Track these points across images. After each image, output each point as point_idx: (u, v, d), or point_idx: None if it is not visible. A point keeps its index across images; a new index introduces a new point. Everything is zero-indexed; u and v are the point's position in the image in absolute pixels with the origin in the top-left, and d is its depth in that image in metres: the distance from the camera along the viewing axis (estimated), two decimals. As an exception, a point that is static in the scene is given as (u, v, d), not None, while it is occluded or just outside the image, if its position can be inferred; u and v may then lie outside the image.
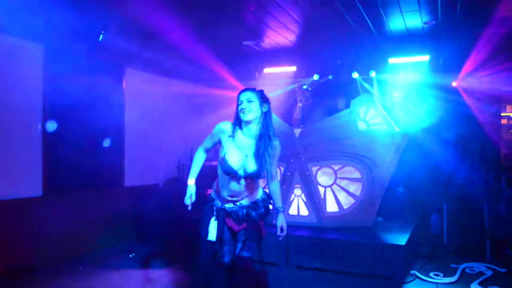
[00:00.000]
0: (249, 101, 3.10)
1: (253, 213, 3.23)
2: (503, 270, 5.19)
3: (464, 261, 5.48)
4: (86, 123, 5.84)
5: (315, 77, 7.67)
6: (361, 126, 5.88)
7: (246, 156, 3.14)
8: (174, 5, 5.13)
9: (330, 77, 7.48)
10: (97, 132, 6.07)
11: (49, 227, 5.28)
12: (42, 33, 5.12)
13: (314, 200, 5.90)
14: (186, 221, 6.53)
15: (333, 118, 6.19)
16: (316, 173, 5.95)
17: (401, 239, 5.09)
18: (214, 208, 3.27)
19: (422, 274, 5.02)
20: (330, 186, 5.88)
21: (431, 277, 4.95)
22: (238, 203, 3.23)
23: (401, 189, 6.63)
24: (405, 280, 4.86)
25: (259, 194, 3.34)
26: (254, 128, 3.15)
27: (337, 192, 5.85)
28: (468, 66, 6.53)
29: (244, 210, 3.22)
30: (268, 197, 3.39)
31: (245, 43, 6.91)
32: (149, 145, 6.96)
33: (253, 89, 3.20)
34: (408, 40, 6.63)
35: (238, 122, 3.18)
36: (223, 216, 3.23)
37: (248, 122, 3.13)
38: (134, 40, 6.16)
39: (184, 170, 7.46)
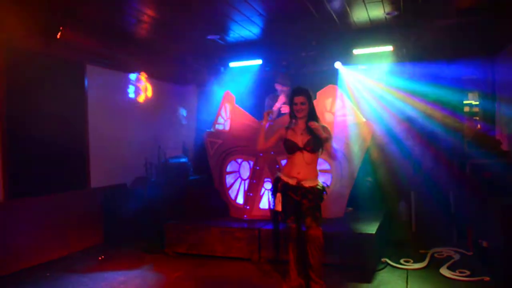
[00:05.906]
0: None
1: (310, 195, 3.97)
2: (470, 253, 5.33)
3: (432, 247, 5.60)
4: (47, 125, 5.64)
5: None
6: (328, 117, 5.89)
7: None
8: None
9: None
10: (58, 133, 5.85)
11: (11, 233, 5.11)
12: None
13: (285, 193, 5.86)
14: (155, 220, 6.47)
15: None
16: (286, 166, 5.91)
17: (372, 228, 5.15)
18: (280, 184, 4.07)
19: (393, 261, 5.10)
20: (300, 178, 5.86)
21: (401, 264, 5.03)
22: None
23: (370, 179, 6.70)
24: (376, 268, 4.92)
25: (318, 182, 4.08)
26: None
27: (307, 184, 5.84)
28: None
29: (303, 190, 3.98)
30: (323, 188, 4.08)
31: (209, 37, 6.80)
32: (115, 144, 6.78)
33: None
34: (372, 31, 6.67)
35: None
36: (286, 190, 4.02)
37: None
38: (95, 36, 5.97)
39: (152, 169, 7.32)
